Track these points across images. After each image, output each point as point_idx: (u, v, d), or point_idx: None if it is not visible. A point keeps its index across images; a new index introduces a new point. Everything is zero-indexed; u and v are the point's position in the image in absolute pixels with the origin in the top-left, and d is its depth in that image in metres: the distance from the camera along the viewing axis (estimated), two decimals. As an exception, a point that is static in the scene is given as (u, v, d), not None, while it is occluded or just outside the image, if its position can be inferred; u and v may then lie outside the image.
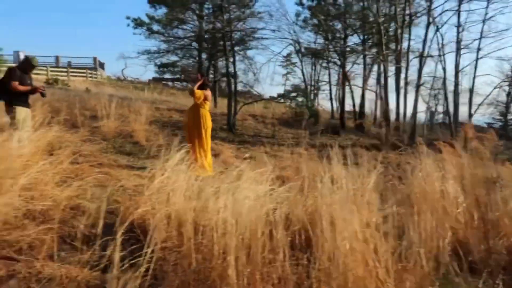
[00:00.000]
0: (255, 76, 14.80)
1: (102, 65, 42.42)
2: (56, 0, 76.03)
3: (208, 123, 6.23)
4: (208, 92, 6.25)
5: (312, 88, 25.26)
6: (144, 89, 32.74)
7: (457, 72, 16.68)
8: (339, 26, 18.10)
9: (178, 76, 38.64)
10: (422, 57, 11.54)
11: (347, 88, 17.51)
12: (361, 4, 17.07)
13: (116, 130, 8.27)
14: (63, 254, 3.00)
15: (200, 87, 6.13)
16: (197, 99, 6.07)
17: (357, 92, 18.18)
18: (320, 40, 19.17)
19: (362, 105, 18.33)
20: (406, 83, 12.78)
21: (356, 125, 17.67)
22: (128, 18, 16.39)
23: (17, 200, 3.36)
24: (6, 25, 70.67)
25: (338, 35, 18.19)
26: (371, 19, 17.06)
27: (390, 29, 16.14)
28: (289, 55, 31.55)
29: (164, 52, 17.90)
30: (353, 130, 17.07)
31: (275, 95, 46.08)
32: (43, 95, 5.88)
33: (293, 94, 51.59)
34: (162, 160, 3.91)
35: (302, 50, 22.72)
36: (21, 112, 5.59)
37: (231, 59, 13.06)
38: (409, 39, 15.02)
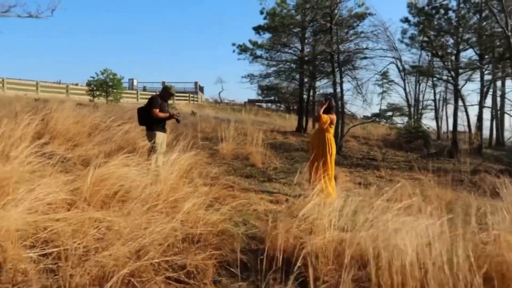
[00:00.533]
0: (363, 97, 14.33)
1: (201, 89, 45.47)
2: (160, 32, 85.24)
3: (333, 148, 6.06)
4: (334, 116, 6.10)
5: (417, 107, 23.82)
6: (241, 110, 34.17)
7: None
8: (450, 41, 16.86)
9: (272, 98, 39.73)
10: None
11: (461, 108, 16.11)
12: (478, 16, 15.75)
13: (233, 152, 8.54)
14: (224, 281, 3.04)
15: (325, 111, 6.01)
16: (323, 124, 5.95)
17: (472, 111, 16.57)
18: (428, 57, 18.11)
19: (479, 126, 16.66)
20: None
21: (471, 147, 16.09)
22: (233, 44, 17.24)
23: (178, 224, 3.53)
24: (118, 55, 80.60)
25: (449, 50, 16.92)
26: (487, 32, 15.66)
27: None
28: (385, 73, 30.42)
29: (266, 76, 18.34)
30: (468, 153, 15.55)
31: (369, 115, 44.42)
32: (178, 121, 6.32)
33: (389, 113, 49.40)
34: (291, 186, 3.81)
35: (406, 67, 21.77)
36: (160, 136, 6.09)
37: (338, 80, 12.87)
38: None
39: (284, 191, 6.47)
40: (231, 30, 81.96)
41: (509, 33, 11.47)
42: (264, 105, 41.97)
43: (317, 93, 17.91)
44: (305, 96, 17.66)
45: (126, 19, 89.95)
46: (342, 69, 13.22)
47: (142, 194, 4.20)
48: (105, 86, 20.57)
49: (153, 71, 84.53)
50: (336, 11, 12.29)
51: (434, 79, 19.33)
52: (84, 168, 5.18)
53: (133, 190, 4.32)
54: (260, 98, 41.09)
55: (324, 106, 5.97)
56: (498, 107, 21.78)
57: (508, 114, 15.71)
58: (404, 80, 21.19)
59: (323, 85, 17.29)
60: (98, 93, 20.76)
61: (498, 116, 21.27)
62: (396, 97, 44.34)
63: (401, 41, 17.60)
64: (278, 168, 8.25)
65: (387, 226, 3.22)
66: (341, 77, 13.04)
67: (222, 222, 4.03)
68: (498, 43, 15.12)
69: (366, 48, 14.15)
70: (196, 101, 38.23)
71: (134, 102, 27.32)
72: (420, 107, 24.58)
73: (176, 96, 33.85)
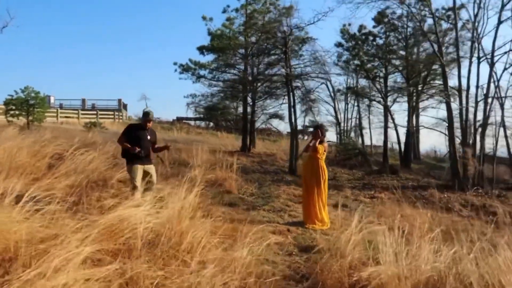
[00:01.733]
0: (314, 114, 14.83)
1: (125, 106, 43.36)
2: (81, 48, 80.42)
3: (326, 175, 6.15)
4: (326, 144, 6.23)
5: (352, 127, 25.44)
6: (171, 128, 33.26)
7: None
8: (380, 65, 18.39)
9: (202, 115, 39.30)
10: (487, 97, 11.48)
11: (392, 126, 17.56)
12: (403, 43, 17.42)
13: (205, 178, 8.25)
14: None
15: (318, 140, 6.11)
16: (319, 155, 6.05)
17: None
18: (361, 80, 19.60)
19: (407, 143, 18.25)
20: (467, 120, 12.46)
21: (402, 163, 17.56)
22: (175, 64, 16.80)
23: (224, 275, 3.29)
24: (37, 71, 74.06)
25: (379, 73, 18.44)
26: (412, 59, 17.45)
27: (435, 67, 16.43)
28: (309, 91, 31.97)
29: (209, 95, 18.19)
30: (400, 168, 16.89)
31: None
32: (139, 154, 5.53)
33: (311, 129, 52.08)
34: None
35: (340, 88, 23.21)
36: (131, 169, 5.52)
37: (290, 100, 13.20)
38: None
39: (275, 219, 6.37)
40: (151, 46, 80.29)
41: (444, 62, 12.86)
42: (192, 122, 41.38)
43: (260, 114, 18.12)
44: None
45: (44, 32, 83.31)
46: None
47: (158, 238, 3.88)
48: (25, 105, 18.57)
49: (72, 87, 78.84)
50: (290, 36, 12.65)
51: (365, 99, 20.78)
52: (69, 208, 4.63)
53: (148, 235, 3.97)
54: (192, 115, 40.46)
55: (319, 139, 6.07)
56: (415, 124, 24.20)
57: (430, 128, 17.44)
58: (334, 100, 22.54)
59: (265, 105, 17.54)
60: (17, 112, 18.63)
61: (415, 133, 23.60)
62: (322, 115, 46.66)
63: (336, 64, 18.70)
64: (254, 194, 8.14)
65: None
66: (293, 97, 13.38)
67: (255, 263, 3.84)
68: (422, 69, 16.86)
69: (311, 72, 14.72)
70: (120, 119, 36.34)
71: (54, 121, 25.09)
72: (350, 125, 26.24)
73: (101, 114, 31.90)
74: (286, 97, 15.92)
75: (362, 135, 25.31)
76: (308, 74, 13.82)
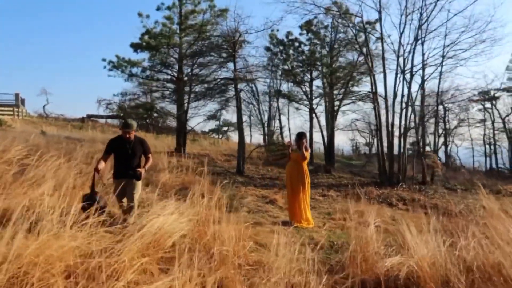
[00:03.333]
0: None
1: (23, 101, 38.91)
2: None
3: (308, 178, 6.65)
4: (309, 149, 6.73)
5: (269, 126, 26.48)
6: (82, 127, 30.88)
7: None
8: (305, 71, 19.66)
9: (114, 113, 37.12)
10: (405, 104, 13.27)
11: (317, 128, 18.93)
12: (327, 50, 18.91)
13: (174, 183, 8.19)
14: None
15: (302, 145, 6.57)
16: (306, 160, 6.52)
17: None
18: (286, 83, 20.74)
19: (329, 144, 19.79)
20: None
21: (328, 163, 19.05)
22: (104, 60, 15.85)
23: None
24: None
25: (305, 78, 19.73)
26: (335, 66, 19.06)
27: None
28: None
29: (140, 94, 17.51)
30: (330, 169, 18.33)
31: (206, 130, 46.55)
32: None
33: (225, 129, 52.61)
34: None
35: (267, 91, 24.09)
36: (114, 185, 5.08)
37: (238, 102, 13.46)
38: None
39: (260, 220, 6.68)
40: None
41: (374, 72, 14.39)
42: (100, 120, 38.86)
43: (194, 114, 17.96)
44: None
45: None
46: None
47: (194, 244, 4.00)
48: None
49: None
50: (238, 38, 12.89)
51: (293, 102, 21.95)
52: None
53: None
54: (101, 113, 37.85)
55: (305, 145, 6.54)
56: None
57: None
58: (258, 102, 23.40)
59: (200, 106, 17.49)
60: None
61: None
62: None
63: (266, 68, 19.46)
64: (224, 197, 8.29)
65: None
66: (239, 99, 13.67)
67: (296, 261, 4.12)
68: (345, 75, 18.51)
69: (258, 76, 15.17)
70: (20, 115, 32.59)
71: None
72: (274, 126, 27.36)
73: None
74: (220, 98, 16.27)
75: (280, 135, 26.77)
76: (256, 78, 14.26)
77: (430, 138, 27.41)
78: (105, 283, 2.91)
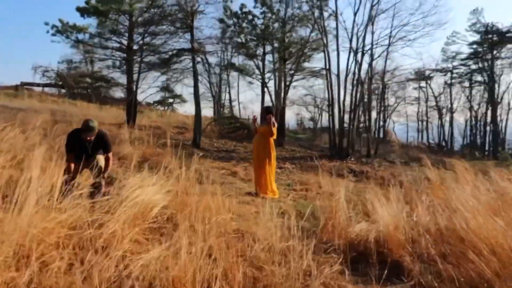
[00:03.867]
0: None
1: None
2: None
3: (274, 151, 6.91)
4: (276, 124, 6.93)
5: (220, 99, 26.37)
6: (16, 95, 28.60)
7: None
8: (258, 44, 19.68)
9: (52, 81, 34.68)
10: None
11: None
12: (280, 24, 19.03)
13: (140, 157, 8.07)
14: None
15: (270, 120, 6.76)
16: (274, 135, 6.74)
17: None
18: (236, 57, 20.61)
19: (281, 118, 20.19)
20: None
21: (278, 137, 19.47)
22: (46, 24, 14.66)
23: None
24: None
25: (258, 52, 19.77)
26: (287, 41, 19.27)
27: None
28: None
29: (85, 62, 16.54)
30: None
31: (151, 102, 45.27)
32: None
33: (170, 100, 51.63)
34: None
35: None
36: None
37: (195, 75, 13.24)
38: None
39: (228, 192, 6.86)
40: None
41: (328, 49, 14.81)
42: (36, 88, 36.20)
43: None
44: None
45: None
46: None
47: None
48: None
49: None
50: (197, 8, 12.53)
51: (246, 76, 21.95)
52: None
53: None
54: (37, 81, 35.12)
55: (272, 120, 6.72)
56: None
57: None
58: (209, 74, 23.11)
59: (151, 77, 16.95)
60: None
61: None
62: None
63: (222, 41, 19.20)
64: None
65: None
66: (196, 74, 13.46)
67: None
68: (297, 51, 18.80)
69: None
70: None
71: None
72: (224, 99, 27.27)
73: None
74: (174, 70, 15.92)
75: (230, 108, 26.86)
76: (216, 51, 14.03)
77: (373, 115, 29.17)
78: (102, 253, 2.95)
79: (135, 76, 15.58)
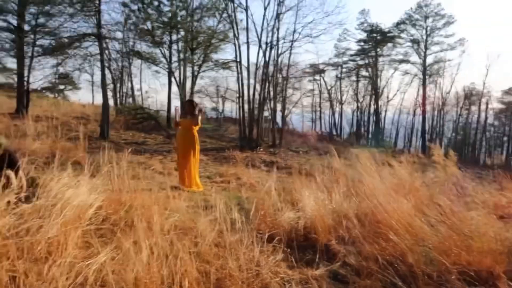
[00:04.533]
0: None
1: None
2: None
3: (198, 144, 6.94)
4: (199, 116, 6.95)
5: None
6: None
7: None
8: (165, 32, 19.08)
9: None
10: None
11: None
12: (186, 12, 18.68)
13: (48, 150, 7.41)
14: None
15: (193, 112, 6.77)
16: (196, 128, 6.75)
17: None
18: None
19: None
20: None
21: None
22: None
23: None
24: None
25: (164, 40, 19.17)
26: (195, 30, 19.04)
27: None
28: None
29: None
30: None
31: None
32: None
33: (62, 87, 47.63)
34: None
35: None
36: None
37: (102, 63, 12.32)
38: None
39: (150, 186, 6.75)
40: None
41: (239, 42, 14.99)
42: None
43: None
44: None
45: None
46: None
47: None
48: None
49: None
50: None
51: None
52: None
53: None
54: None
55: (198, 111, 6.74)
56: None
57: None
58: (110, 61, 21.71)
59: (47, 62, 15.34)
60: None
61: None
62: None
63: (125, 27, 18.16)
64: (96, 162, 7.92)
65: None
66: (103, 61, 12.54)
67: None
68: (205, 41, 18.72)
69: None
70: None
71: None
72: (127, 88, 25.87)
73: None
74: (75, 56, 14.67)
75: (132, 98, 25.56)
76: (126, 38, 13.11)
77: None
78: (46, 262, 2.80)
79: (27, 61, 13.94)
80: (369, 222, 4.50)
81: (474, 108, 39.26)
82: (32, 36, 13.93)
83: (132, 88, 25.99)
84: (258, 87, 14.97)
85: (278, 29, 15.99)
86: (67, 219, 3.45)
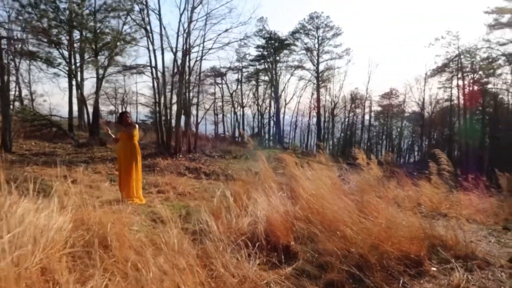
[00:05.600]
0: None
1: None
2: None
3: (140, 155, 6.78)
4: (135, 126, 6.77)
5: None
6: None
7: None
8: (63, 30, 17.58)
9: None
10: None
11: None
12: (92, 13, 17.47)
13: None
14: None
15: (127, 123, 6.59)
16: (135, 139, 6.59)
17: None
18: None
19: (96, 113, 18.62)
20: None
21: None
22: None
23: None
24: None
25: (63, 40, 17.62)
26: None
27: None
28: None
29: None
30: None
31: None
32: None
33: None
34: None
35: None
36: None
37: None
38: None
39: (88, 201, 6.44)
40: None
41: (154, 47, 14.56)
42: None
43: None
44: None
45: None
46: None
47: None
48: None
49: None
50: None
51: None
52: None
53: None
54: None
55: (131, 123, 6.60)
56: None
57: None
58: (15, 63, 19.24)
59: None
60: None
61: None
62: None
63: (17, 23, 16.21)
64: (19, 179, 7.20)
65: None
66: (1, 62, 11.04)
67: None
68: (110, 43, 17.72)
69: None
70: None
71: None
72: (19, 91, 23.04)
73: None
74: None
75: (21, 103, 22.80)
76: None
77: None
78: None
79: None
80: (320, 221, 5.05)
81: (358, 110, 43.96)
82: None
83: (20, 91, 23.28)
84: (174, 93, 14.80)
85: (189, 34, 16.03)
86: (44, 245, 3.30)
